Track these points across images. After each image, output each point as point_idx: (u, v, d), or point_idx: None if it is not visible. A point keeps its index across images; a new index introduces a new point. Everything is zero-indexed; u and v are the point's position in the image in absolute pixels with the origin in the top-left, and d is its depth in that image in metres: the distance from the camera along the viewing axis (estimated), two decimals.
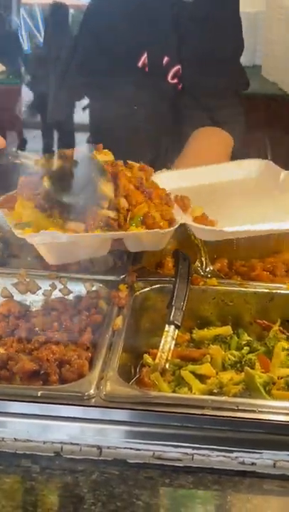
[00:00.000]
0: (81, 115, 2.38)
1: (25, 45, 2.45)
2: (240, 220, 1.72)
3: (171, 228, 1.64)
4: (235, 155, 2.27)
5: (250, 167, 2.06)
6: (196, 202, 1.81)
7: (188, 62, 2.28)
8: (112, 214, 1.57)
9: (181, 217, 1.70)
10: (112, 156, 1.71)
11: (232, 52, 2.35)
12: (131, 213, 1.61)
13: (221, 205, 1.85)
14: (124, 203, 1.58)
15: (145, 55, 2.25)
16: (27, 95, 2.66)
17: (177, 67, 2.27)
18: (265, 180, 2.00)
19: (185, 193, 1.83)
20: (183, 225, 1.87)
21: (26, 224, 1.61)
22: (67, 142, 2.59)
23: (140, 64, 2.25)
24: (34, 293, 1.77)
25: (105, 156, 1.69)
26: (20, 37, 2.45)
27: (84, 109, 2.35)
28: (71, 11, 2.44)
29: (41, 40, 2.44)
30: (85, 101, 2.29)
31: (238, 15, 2.32)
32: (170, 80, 2.29)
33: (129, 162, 1.76)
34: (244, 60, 2.44)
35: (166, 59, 2.26)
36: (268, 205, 1.89)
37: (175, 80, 2.29)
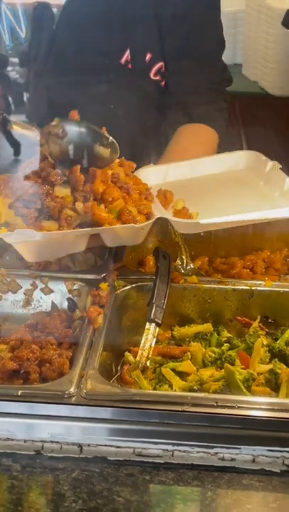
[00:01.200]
0: (64, 113, 2.37)
1: (8, 41, 2.44)
2: (222, 212, 1.73)
3: (147, 222, 1.65)
4: (218, 152, 2.27)
5: (239, 158, 2.07)
6: (182, 195, 1.82)
7: (170, 59, 2.29)
8: (72, 213, 1.58)
9: (159, 212, 1.70)
10: None
11: (213, 49, 2.36)
12: (107, 208, 1.61)
13: (205, 197, 1.86)
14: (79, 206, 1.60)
15: (128, 51, 2.25)
16: (6, 93, 2.65)
17: (160, 63, 2.28)
18: (251, 171, 2.01)
19: (172, 187, 1.83)
20: (164, 223, 1.90)
21: (3, 224, 1.61)
22: None
23: (123, 61, 2.26)
24: (15, 292, 1.77)
25: None
26: (2, 32, 2.44)
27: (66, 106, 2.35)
28: (53, 8, 2.44)
29: (22, 36, 2.43)
30: (67, 98, 2.28)
31: (219, 12, 2.33)
32: (153, 77, 2.29)
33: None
34: (224, 58, 2.45)
35: (148, 55, 2.26)
36: (250, 195, 1.90)
37: (158, 77, 2.30)
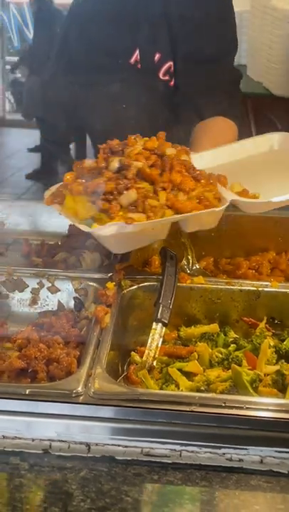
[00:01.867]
0: (73, 113, 2.37)
1: (16, 42, 2.45)
2: (277, 192, 1.74)
3: (225, 205, 1.67)
4: None
5: (273, 140, 2.06)
6: (231, 178, 1.81)
7: (181, 59, 2.29)
8: (156, 203, 1.60)
9: (227, 195, 1.71)
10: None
11: (225, 49, 2.35)
12: (187, 197, 1.64)
13: (252, 179, 1.85)
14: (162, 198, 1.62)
15: (137, 51, 2.25)
16: (16, 92, 2.66)
17: (169, 63, 2.28)
18: (287, 152, 2.01)
19: (217, 171, 1.83)
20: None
21: (89, 220, 1.63)
22: (59, 139, 2.60)
23: (132, 61, 2.26)
24: (22, 291, 1.77)
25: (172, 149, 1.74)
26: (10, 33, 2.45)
27: (76, 106, 2.35)
28: (61, 8, 2.45)
29: (30, 37, 2.44)
30: (77, 98, 2.28)
31: (231, 12, 2.32)
32: (162, 77, 2.30)
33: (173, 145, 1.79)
34: None
35: (157, 55, 2.27)
36: None
37: (167, 77, 2.30)
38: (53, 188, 1.73)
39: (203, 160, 1.90)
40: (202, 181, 1.69)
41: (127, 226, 1.56)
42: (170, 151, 1.73)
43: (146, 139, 1.77)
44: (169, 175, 1.65)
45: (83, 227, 1.60)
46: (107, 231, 1.57)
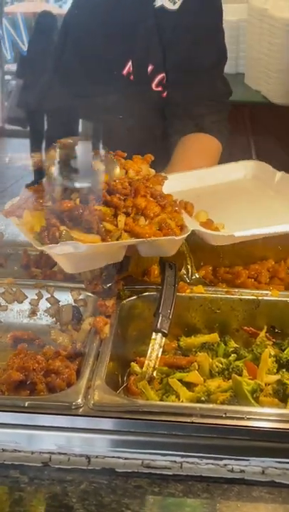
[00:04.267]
0: (64, 124, 2.37)
1: (8, 55, 2.45)
2: (242, 223, 1.73)
3: (185, 234, 1.67)
4: (220, 162, 2.27)
5: (244, 168, 2.07)
6: (197, 205, 1.81)
7: (171, 70, 2.29)
8: (111, 227, 1.60)
9: (190, 224, 1.71)
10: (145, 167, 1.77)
11: (215, 60, 2.36)
12: (148, 222, 1.64)
13: (219, 208, 1.86)
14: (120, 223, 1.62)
15: (130, 63, 2.25)
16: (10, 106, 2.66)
17: (162, 75, 2.28)
18: (259, 181, 2.01)
19: (180, 197, 1.83)
20: None
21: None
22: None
23: (125, 72, 2.26)
24: (21, 302, 1.76)
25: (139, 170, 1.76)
26: (2, 47, 2.45)
27: (68, 117, 2.35)
28: (54, 19, 2.44)
29: (24, 49, 2.44)
30: (70, 110, 2.28)
31: (221, 24, 2.33)
32: (155, 88, 2.30)
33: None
34: (227, 68, 2.45)
35: (150, 67, 2.27)
36: (265, 206, 1.89)
37: (160, 88, 2.30)
38: (14, 200, 1.74)
39: (173, 182, 1.90)
40: (168, 209, 1.68)
41: (81, 246, 1.55)
42: (144, 173, 1.73)
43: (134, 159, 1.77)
44: (133, 200, 1.64)
45: (35, 243, 1.60)
46: (58, 250, 1.57)
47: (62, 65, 2.32)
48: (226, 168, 2.09)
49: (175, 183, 1.94)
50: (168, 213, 1.67)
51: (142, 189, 1.67)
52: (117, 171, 1.72)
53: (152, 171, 1.82)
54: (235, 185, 2.02)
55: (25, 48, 2.42)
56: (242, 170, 2.06)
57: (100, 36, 2.26)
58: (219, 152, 2.31)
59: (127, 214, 1.63)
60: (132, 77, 2.26)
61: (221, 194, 1.96)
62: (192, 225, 1.70)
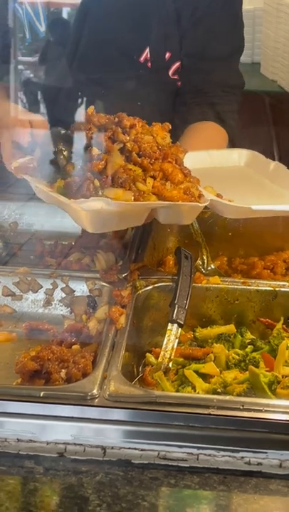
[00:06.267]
0: (81, 111, 2.36)
1: (27, 35, 2.42)
2: (248, 204, 1.69)
3: (205, 203, 1.64)
4: None
5: (239, 156, 2.05)
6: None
7: (186, 58, 2.27)
8: (144, 188, 1.57)
9: (206, 195, 1.68)
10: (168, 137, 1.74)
11: (230, 51, 2.33)
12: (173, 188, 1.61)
13: (222, 189, 1.84)
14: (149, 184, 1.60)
15: (148, 50, 2.24)
16: (28, 92, 2.64)
17: (178, 63, 2.26)
18: (255, 169, 1.99)
19: None
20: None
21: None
22: None
23: (142, 59, 2.24)
24: (36, 291, 1.75)
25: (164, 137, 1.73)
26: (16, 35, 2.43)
27: (85, 104, 2.33)
28: (70, 7, 2.43)
29: (42, 30, 2.41)
30: (86, 96, 2.27)
31: (240, 13, 2.30)
32: (171, 76, 2.28)
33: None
34: (242, 57, 2.43)
35: (168, 54, 2.25)
36: (267, 190, 1.87)
37: (176, 76, 2.28)
38: (21, 160, 1.72)
39: None
40: (188, 177, 1.67)
41: (112, 203, 1.50)
42: (167, 141, 1.71)
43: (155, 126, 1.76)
44: (161, 164, 1.62)
45: (62, 198, 1.55)
46: (88, 205, 1.51)
47: (79, 50, 2.30)
48: (220, 153, 2.06)
49: None
50: (190, 182, 1.66)
51: (170, 155, 1.65)
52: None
53: (169, 139, 1.79)
54: (234, 170, 1.99)
55: (42, 28, 2.40)
56: (237, 157, 2.04)
57: (118, 22, 2.25)
58: (225, 142, 2.29)
59: (154, 178, 1.60)
60: (149, 64, 2.25)
61: (215, 177, 1.93)
62: (209, 195, 1.68)
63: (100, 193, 1.55)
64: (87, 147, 1.66)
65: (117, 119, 1.68)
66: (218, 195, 1.72)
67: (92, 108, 1.70)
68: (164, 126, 1.77)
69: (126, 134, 1.65)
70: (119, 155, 1.61)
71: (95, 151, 1.63)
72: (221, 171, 1.99)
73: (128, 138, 1.63)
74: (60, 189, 1.60)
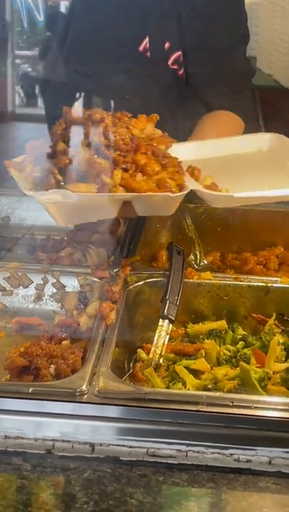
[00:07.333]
0: (81, 101, 2.34)
1: (25, 23, 2.41)
2: (253, 189, 1.70)
3: (182, 193, 1.62)
4: None
5: (263, 141, 2.02)
6: (208, 173, 1.78)
7: (191, 49, 2.25)
8: (108, 180, 1.58)
9: (191, 185, 1.67)
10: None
11: (233, 40, 2.32)
12: (146, 179, 1.61)
13: (232, 176, 1.82)
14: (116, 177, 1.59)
15: (147, 39, 2.22)
16: (26, 86, 2.63)
17: (178, 53, 2.25)
18: (278, 152, 1.97)
19: (197, 164, 1.80)
20: (177, 217, 1.86)
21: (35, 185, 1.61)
22: None
23: (141, 48, 2.23)
24: (26, 287, 1.74)
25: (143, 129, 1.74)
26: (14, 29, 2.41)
27: (83, 94, 2.32)
28: None
29: (40, 19, 2.40)
30: (85, 87, 2.26)
31: (242, 4, 2.29)
32: (171, 66, 2.27)
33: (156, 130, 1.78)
34: None
35: (167, 44, 2.24)
36: (278, 175, 1.85)
37: (175, 66, 2.27)
38: (21, 157, 1.73)
39: (188, 150, 1.88)
40: (169, 169, 1.65)
41: (70, 195, 1.52)
42: (147, 132, 1.72)
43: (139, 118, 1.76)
44: (133, 156, 1.61)
45: (24, 187, 1.58)
46: (47, 198, 1.53)
47: (77, 41, 2.29)
48: (243, 139, 2.05)
49: (192, 151, 1.91)
50: (169, 173, 1.64)
51: (143, 146, 1.64)
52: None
53: (158, 132, 1.79)
54: (252, 155, 1.97)
55: (41, 18, 2.39)
56: (259, 141, 2.02)
57: (116, 12, 2.24)
58: (241, 129, 2.27)
59: (126, 170, 1.60)
60: (148, 53, 2.23)
61: (236, 163, 1.92)
62: (192, 184, 1.67)
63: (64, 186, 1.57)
64: (56, 143, 1.67)
65: (87, 114, 1.67)
66: (212, 185, 1.71)
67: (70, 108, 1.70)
68: (150, 117, 1.76)
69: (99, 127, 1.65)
70: (86, 149, 1.61)
71: (61, 145, 1.63)
72: (239, 158, 1.97)
73: (97, 132, 1.64)
74: (31, 183, 1.62)
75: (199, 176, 1.76)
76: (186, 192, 1.62)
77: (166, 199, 1.61)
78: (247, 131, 2.26)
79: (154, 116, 1.78)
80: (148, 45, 2.23)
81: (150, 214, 1.77)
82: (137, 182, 1.58)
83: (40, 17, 2.40)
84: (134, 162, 1.61)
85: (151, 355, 1.54)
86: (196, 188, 1.67)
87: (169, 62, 2.26)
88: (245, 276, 1.76)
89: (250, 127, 2.28)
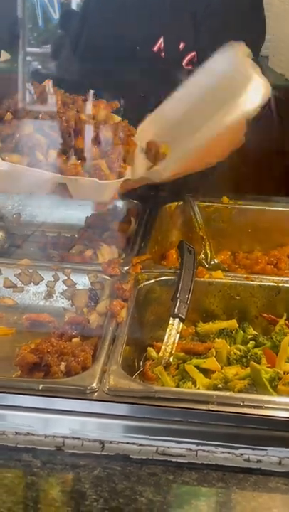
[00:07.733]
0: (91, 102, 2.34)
1: (40, 21, 2.41)
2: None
3: (110, 181, 1.67)
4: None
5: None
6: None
7: (205, 49, 2.25)
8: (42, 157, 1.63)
9: (128, 175, 1.72)
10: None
11: (251, 41, 2.30)
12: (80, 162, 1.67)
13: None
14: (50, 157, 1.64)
15: (161, 39, 2.22)
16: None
17: (193, 53, 2.24)
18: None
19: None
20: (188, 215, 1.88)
21: None
22: None
23: (156, 48, 2.23)
24: (37, 284, 1.74)
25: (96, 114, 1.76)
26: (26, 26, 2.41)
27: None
28: None
29: (55, 17, 2.40)
30: (98, 86, 2.26)
31: (260, 2, 2.28)
32: (185, 66, 2.26)
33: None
34: None
35: (182, 44, 2.23)
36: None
37: (190, 67, 2.26)
38: None
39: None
40: (111, 156, 1.68)
41: (1, 163, 1.58)
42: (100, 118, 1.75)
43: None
44: (74, 140, 1.66)
45: None
46: None
47: (90, 40, 2.28)
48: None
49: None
50: (109, 160, 1.68)
51: (82, 131, 1.68)
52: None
53: (118, 118, 1.81)
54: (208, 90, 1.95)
55: (56, 15, 2.38)
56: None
57: (131, 11, 2.23)
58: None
59: (65, 152, 1.64)
60: (162, 53, 2.23)
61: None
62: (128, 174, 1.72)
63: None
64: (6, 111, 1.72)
65: (40, 91, 1.76)
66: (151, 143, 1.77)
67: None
68: (110, 104, 1.80)
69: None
70: (30, 124, 1.66)
71: (8, 115, 1.68)
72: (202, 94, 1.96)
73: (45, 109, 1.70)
74: None
75: (164, 152, 1.80)
76: (115, 181, 1.67)
77: (94, 184, 1.64)
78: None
79: (113, 104, 1.81)
80: (162, 45, 2.23)
81: (84, 198, 1.80)
82: (65, 164, 1.62)
83: (56, 15, 2.40)
84: (72, 146, 1.65)
85: (161, 354, 1.54)
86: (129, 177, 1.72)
87: (184, 63, 2.26)
88: (256, 276, 1.76)
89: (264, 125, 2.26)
